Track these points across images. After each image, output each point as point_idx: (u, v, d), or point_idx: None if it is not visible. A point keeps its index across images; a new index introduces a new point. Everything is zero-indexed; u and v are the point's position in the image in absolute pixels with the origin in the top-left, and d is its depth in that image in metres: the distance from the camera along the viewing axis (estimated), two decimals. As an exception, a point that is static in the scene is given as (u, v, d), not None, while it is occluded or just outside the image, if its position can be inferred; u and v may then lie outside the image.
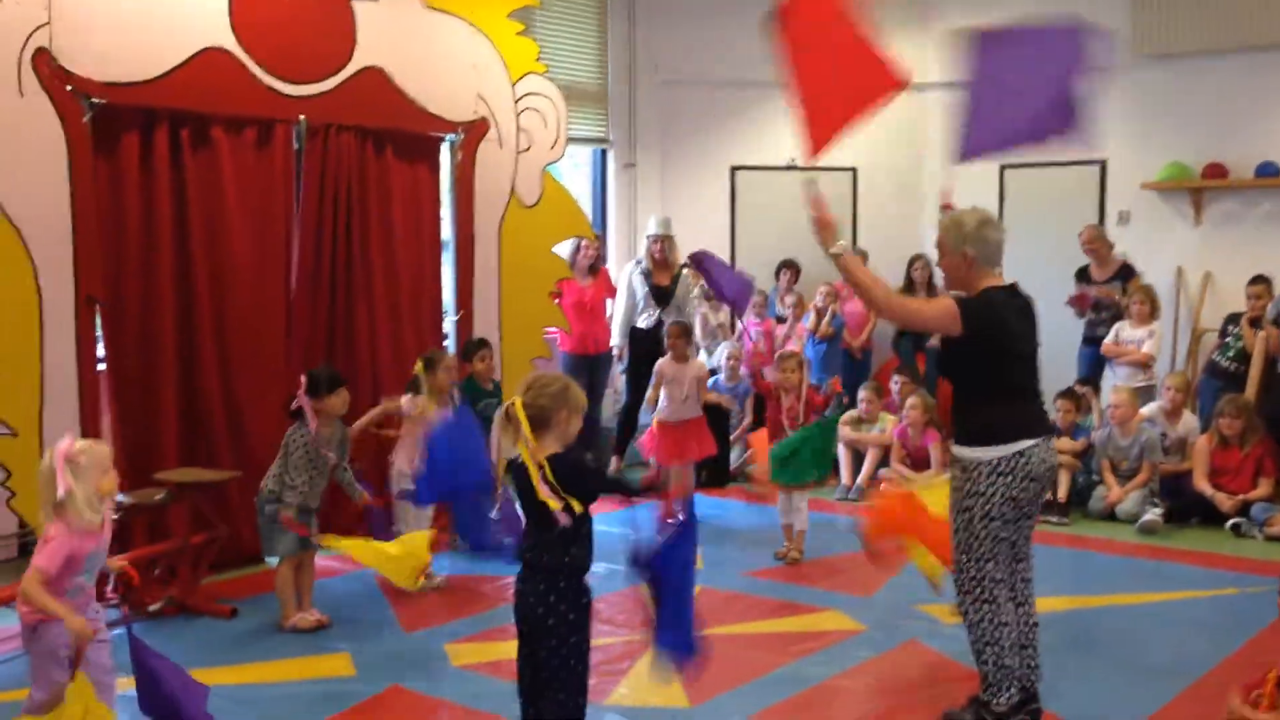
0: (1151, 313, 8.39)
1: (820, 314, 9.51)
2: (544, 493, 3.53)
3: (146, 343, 6.06)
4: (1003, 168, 10.06)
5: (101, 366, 5.92)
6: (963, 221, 4.34)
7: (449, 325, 7.64)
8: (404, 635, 5.48)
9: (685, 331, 7.77)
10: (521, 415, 3.59)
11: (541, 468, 3.55)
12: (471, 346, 7.02)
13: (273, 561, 5.93)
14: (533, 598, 3.62)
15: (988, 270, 4.32)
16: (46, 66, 5.51)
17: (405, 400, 6.17)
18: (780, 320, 9.83)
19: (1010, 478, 4.16)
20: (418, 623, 5.65)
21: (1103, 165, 9.65)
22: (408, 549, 5.49)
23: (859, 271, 4.29)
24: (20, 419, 5.46)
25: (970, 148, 4.09)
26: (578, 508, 3.56)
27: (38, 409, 5.50)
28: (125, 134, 5.90)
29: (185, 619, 5.61)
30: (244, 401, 6.39)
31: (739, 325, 9.89)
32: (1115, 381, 8.39)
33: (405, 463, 6.20)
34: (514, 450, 3.66)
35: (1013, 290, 4.36)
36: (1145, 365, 8.36)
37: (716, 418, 8.03)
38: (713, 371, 9.15)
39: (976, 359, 4.24)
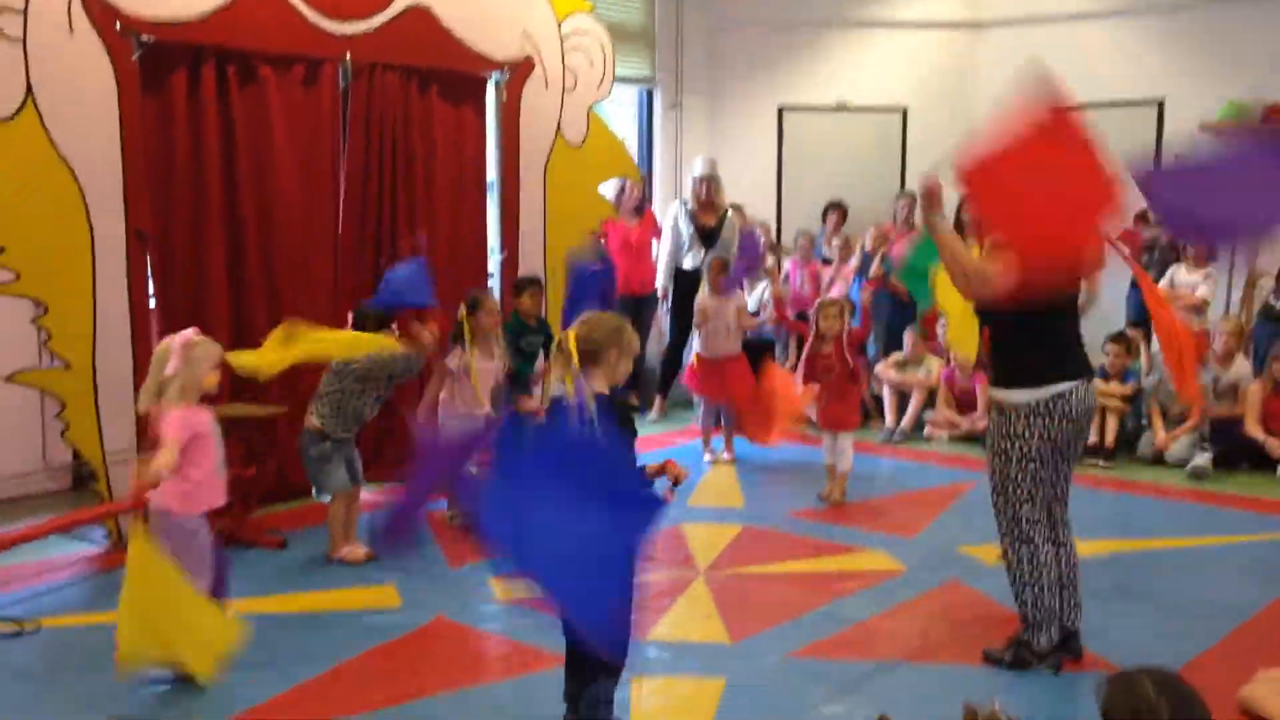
0: (1207, 256, 8.24)
1: (871, 256, 9.41)
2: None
3: (195, 278, 6.13)
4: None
5: (153, 303, 6.00)
6: None
7: (493, 264, 7.66)
8: (449, 569, 5.55)
9: (724, 266, 7.76)
10: (573, 348, 3.61)
11: (586, 403, 3.57)
12: (522, 283, 6.96)
13: (321, 497, 6.03)
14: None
15: None
16: (96, 4, 5.52)
17: (453, 356, 6.15)
18: (826, 262, 9.76)
19: (1048, 419, 4.14)
20: (462, 557, 5.71)
21: (1160, 105, 9.44)
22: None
23: (953, 244, 4.17)
24: (74, 353, 5.56)
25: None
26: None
27: (90, 343, 5.59)
28: (173, 72, 5.93)
29: (236, 550, 5.69)
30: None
31: (784, 267, 9.84)
32: (1167, 326, 8.27)
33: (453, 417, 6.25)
34: (561, 385, 3.69)
35: None
36: (1200, 309, 8.23)
37: (758, 357, 8.03)
38: (754, 314, 9.11)
39: (1014, 303, 4.17)
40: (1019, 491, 4.22)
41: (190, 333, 4.33)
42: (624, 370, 3.72)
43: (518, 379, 6.59)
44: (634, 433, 3.76)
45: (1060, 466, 4.28)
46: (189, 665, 4.13)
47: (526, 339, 6.65)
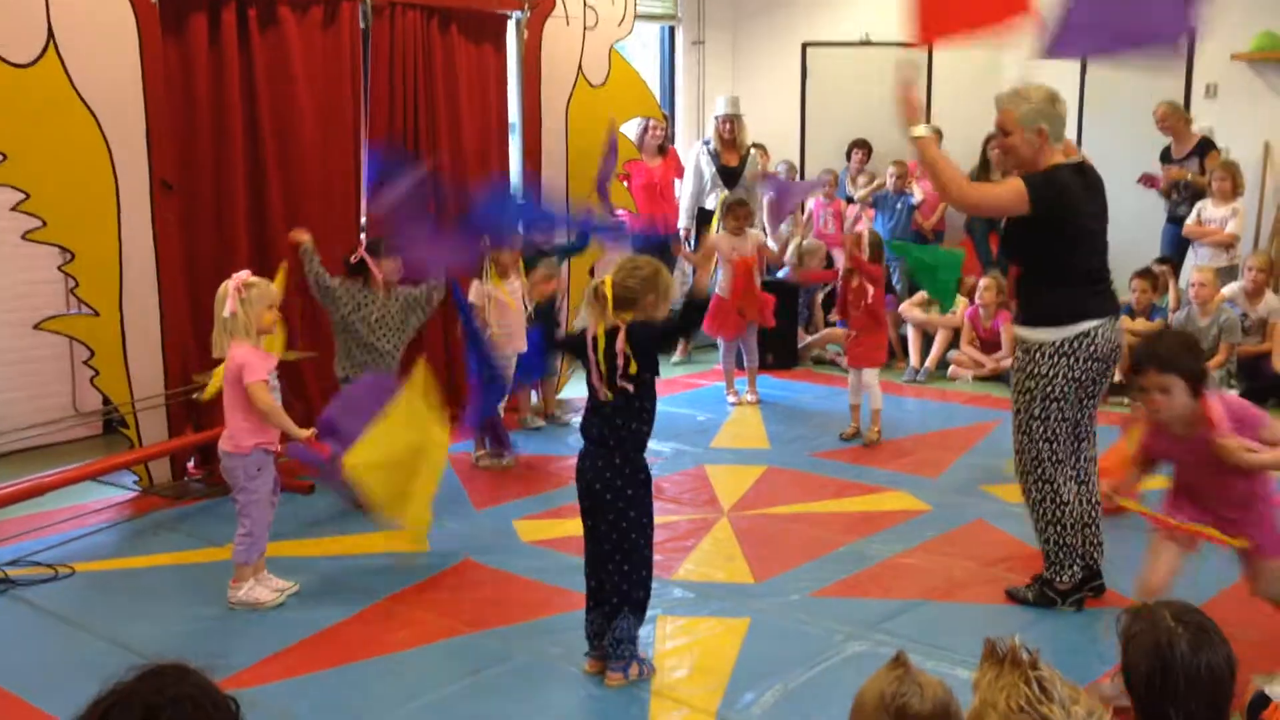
0: (1233, 189, 8.11)
1: (893, 194, 9.35)
2: (620, 347, 3.60)
3: (219, 225, 6.13)
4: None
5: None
6: (1030, 96, 4.22)
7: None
8: (475, 512, 5.61)
9: (742, 206, 7.74)
10: (609, 294, 3.62)
11: (617, 330, 3.61)
12: None
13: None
14: (590, 473, 3.71)
15: (1055, 147, 4.22)
16: (113, -52, 5.50)
17: (473, 289, 6.21)
18: (850, 201, 9.69)
19: (1073, 359, 4.12)
20: (487, 500, 5.77)
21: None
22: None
23: (935, 155, 4.24)
24: (101, 300, 5.59)
25: (1060, 45, 4.10)
26: (633, 368, 3.62)
27: (118, 290, 5.62)
28: (193, 15, 5.90)
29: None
30: (316, 283, 6.46)
31: (808, 208, 9.77)
32: (1197, 262, 8.18)
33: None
34: (594, 331, 3.70)
35: (1079, 168, 4.25)
36: (1229, 246, 8.13)
37: (787, 298, 8.03)
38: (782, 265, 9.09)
39: (1043, 239, 4.16)
40: (1043, 430, 4.21)
41: (245, 274, 4.45)
42: (662, 313, 3.74)
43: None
44: (656, 372, 3.77)
45: (1085, 404, 4.26)
46: (404, 515, 4.54)
47: (544, 262, 6.81)
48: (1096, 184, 4.30)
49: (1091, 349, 4.13)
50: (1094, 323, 4.13)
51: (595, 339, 3.67)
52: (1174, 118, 8.57)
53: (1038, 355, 4.17)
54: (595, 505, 3.72)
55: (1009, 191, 4.22)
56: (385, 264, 5.67)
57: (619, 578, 3.74)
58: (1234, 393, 7.34)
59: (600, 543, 3.75)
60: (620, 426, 3.69)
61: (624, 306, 3.65)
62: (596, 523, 3.74)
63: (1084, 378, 4.16)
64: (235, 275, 4.45)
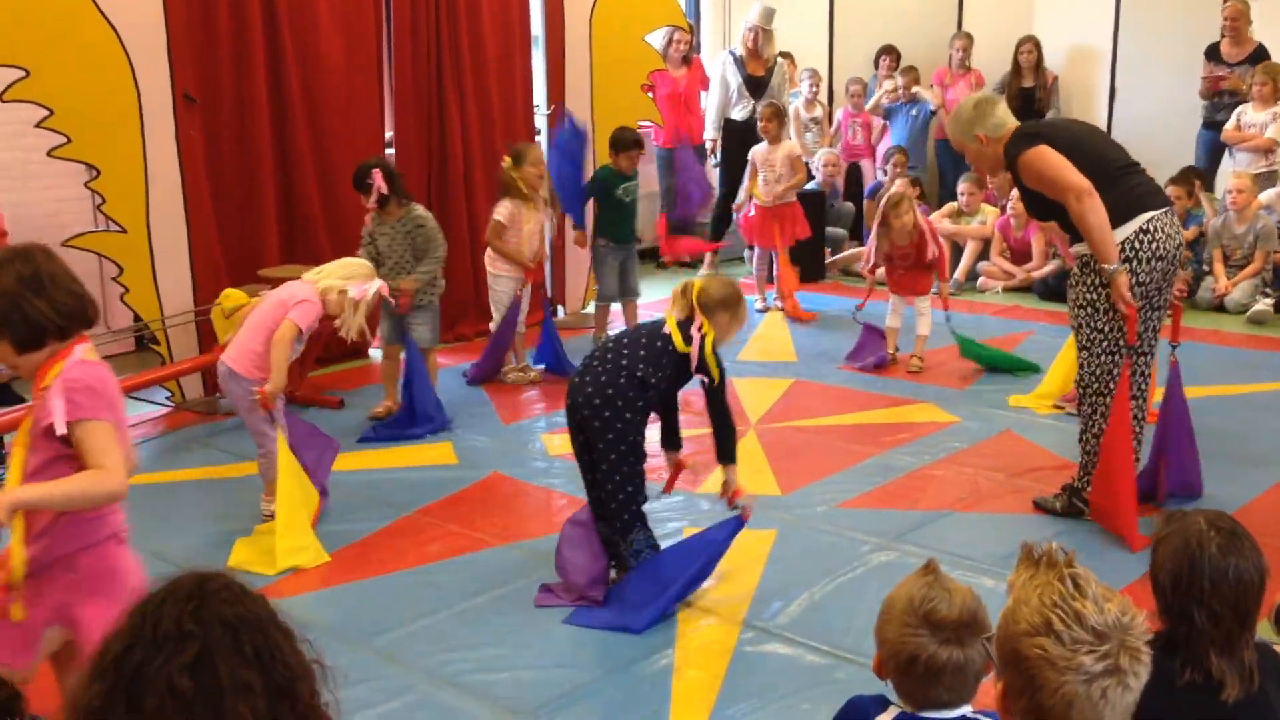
0: (1274, 94, 7.93)
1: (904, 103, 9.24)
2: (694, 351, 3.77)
3: (243, 140, 6.11)
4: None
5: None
6: (959, 114, 4.32)
7: (540, 120, 7.57)
8: (502, 427, 5.64)
9: (777, 114, 7.67)
10: (695, 297, 3.78)
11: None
12: (622, 144, 6.60)
13: (375, 355, 6.11)
14: (591, 388, 3.74)
15: (1005, 129, 4.21)
16: None
17: (500, 208, 6.12)
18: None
19: (1135, 261, 4.00)
20: (515, 415, 5.80)
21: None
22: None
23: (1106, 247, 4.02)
24: (129, 217, 5.60)
25: None
26: (715, 375, 3.82)
27: (144, 206, 5.62)
28: (210, -75, 5.82)
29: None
30: (342, 196, 6.42)
31: (836, 117, 9.65)
32: (1235, 168, 8.03)
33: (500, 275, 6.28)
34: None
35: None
36: (1268, 151, 7.97)
37: (815, 207, 7.97)
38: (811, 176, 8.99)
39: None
40: (1105, 344, 4.12)
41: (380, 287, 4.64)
42: (731, 333, 3.90)
43: (616, 224, 6.73)
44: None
45: (1149, 315, 4.16)
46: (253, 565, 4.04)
47: (622, 186, 6.62)
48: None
49: (1154, 246, 3.99)
50: (1152, 213, 4.01)
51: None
52: (1243, 19, 8.33)
53: (1098, 265, 4.02)
54: (586, 423, 3.76)
55: (1053, 171, 4.02)
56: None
57: (614, 501, 3.79)
58: (1268, 303, 7.25)
59: (598, 464, 3.80)
60: (630, 365, 3.75)
61: (702, 311, 3.78)
62: (591, 441, 3.78)
63: (1149, 280, 4.04)
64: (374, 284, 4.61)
